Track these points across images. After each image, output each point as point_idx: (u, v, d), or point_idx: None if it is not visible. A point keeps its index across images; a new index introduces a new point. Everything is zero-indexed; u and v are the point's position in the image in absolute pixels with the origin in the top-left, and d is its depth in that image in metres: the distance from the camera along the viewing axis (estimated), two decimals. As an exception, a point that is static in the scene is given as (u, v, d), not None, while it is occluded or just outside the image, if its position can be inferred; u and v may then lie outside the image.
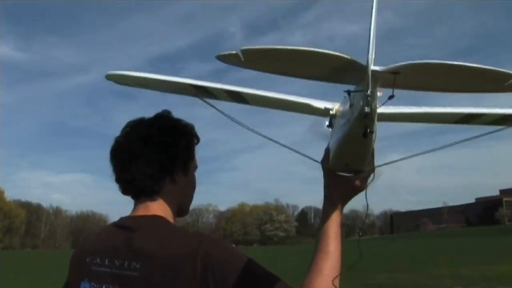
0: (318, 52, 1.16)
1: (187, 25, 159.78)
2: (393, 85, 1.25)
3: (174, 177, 1.54)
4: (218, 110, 2.09)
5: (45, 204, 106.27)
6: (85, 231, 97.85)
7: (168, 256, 1.38)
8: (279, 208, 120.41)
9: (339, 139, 1.52)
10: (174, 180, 1.54)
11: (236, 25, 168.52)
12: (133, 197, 1.56)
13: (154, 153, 1.50)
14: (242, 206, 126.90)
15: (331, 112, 1.77)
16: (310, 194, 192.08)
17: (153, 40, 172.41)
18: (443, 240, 56.32)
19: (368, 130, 1.33)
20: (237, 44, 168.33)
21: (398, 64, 1.21)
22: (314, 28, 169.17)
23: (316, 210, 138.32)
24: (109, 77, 2.31)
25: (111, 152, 1.57)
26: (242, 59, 1.23)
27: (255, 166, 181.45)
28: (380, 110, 1.33)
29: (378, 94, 1.29)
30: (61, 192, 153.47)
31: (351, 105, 1.36)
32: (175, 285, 1.35)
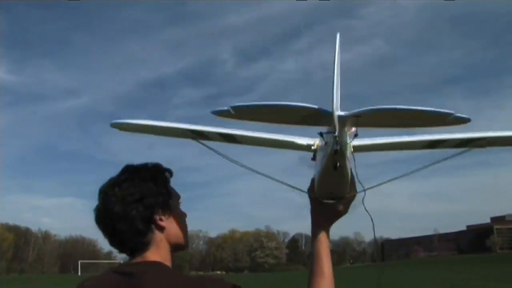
0: (292, 105, 1.46)
1: (179, 51, 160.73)
2: (356, 125, 1.54)
3: (158, 223, 1.56)
4: (214, 151, 2.39)
5: (33, 228, 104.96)
6: (74, 256, 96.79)
7: None
8: (270, 235, 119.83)
9: (319, 171, 1.82)
10: (160, 226, 1.56)
11: (228, 51, 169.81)
12: (128, 255, 1.57)
13: (132, 210, 1.50)
14: (232, 232, 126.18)
15: (312, 147, 2.09)
16: (300, 221, 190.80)
17: (145, 65, 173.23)
18: (434, 267, 56.05)
19: (338, 164, 1.62)
20: (229, 70, 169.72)
21: (360, 109, 1.50)
22: (306, 56, 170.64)
23: (307, 237, 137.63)
24: (114, 125, 2.80)
25: (96, 221, 1.57)
26: (233, 114, 1.52)
27: (246, 192, 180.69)
28: (356, 142, 1.68)
29: (353, 129, 1.59)
30: (50, 216, 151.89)
31: (325, 143, 1.67)
32: None
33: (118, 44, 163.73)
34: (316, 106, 1.53)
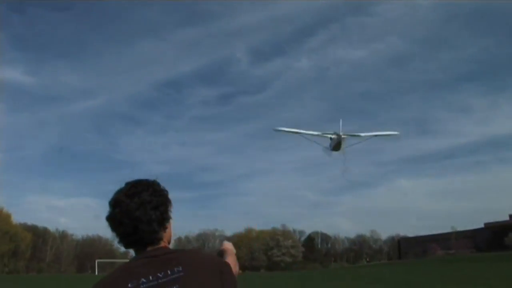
0: (322, 135, 29.64)
1: (193, 51, 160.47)
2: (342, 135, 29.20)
3: (166, 226, 2.11)
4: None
5: (51, 227, 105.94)
6: (91, 255, 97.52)
7: (204, 261, 1.99)
8: (286, 233, 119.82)
9: (331, 144, 31.69)
10: (165, 228, 2.11)
11: (242, 50, 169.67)
12: (138, 249, 2.05)
13: (152, 214, 2.00)
14: (248, 231, 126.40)
15: (331, 137, 31.12)
16: (316, 219, 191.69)
17: (158, 65, 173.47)
18: (452, 266, 55.57)
19: (341, 143, 29.55)
20: (243, 69, 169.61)
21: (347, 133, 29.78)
22: (320, 54, 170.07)
23: (323, 235, 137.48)
24: (276, 130, 28.20)
25: (114, 221, 2.01)
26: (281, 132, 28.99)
27: (262, 191, 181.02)
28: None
29: (343, 137, 28.63)
30: (67, 216, 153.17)
31: (337, 138, 30.25)
32: (214, 278, 1.93)
33: (132, 44, 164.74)
34: (334, 132, 29.72)
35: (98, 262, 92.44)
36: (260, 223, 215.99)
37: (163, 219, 2.06)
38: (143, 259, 1.96)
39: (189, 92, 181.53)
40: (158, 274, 1.87)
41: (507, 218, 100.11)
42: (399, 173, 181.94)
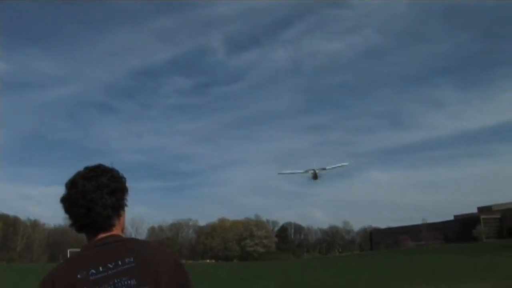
0: (308, 171, 53.02)
1: (169, 39, 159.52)
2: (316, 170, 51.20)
3: (120, 213, 2.06)
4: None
5: (22, 216, 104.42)
6: (63, 244, 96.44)
7: (157, 253, 1.93)
8: (260, 224, 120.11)
9: (312, 176, 53.41)
10: (120, 215, 2.05)
11: (218, 40, 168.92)
12: (90, 234, 2.01)
13: (108, 199, 1.97)
14: (222, 221, 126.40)
15: (312, 172, 52.79)
16: (290, 209, 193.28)
17: (134, 53, 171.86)
18: (422, 256, 56.53)
19: (316, 176, 51.80)
20: (219, 59, 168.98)
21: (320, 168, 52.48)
22: (295, 45, 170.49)
23: (296, 226, 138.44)
24: (280, 173, 55.42)
25: (68, 202, 1.98)
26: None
27: (236, 181, 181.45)
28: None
29: (317, 171, 51.28)
30: (39, 205, 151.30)
31: (314, 172, 52.47)
32: (164, 270, 1.89)
33: (108, 32, 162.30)
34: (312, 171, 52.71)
35: (70, 251, 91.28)
36: (234, 213, 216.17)
37: (119, 206, 2.01)
38: (94, 248, 1.92)
39: (165, 81, 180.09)
40: (109, 265, 1.84)
41: (475, 210, 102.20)
42: (372, 165, 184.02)
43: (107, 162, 2.10)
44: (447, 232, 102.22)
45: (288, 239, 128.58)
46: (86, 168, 2.04)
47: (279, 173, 59.11)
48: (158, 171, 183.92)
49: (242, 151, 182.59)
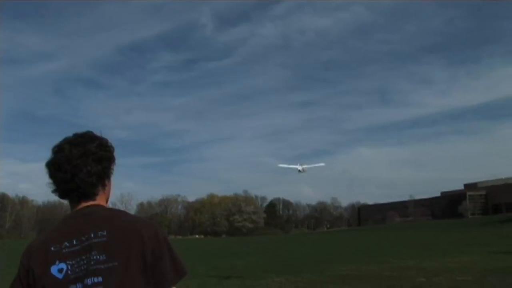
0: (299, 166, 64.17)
1: (157, 15, 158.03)
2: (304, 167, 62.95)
3: (105, 183, 1.97)
4: None
5: (11, 193, 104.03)
6: (51, 221, 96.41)
7: (133, 225, 1.82)
8: (248, 200, 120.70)
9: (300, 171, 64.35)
10: (105, 185, 1.97)
11: (207, 15, 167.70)
12: (72, 201, 1.93)
13: (94, 167, 1.89)
14: (211, 197, 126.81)
15: (299, 168, 63.59)
16: (278, 185, 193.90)
17: (122, 29, 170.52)
18: (408, 232, 57.35)
19: (301, 170, 63.12)
20: (208, 35, 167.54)
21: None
22: (285, 21, 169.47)
23: (284, 201, 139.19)
24: (279, 166, 66.86)
25: (53, 167, 1.90)
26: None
27: (225, 157, 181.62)
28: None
29: (304, 167, 62.65)
30: (28, 182, 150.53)
31: (301, 168, 62.75)
32: (138, 244, 1.78)
33: (95, 7, 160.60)
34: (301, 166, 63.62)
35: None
36: (223, 189, 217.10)
37: (104, 174, 1.93)
38: (72, 219, 1.88)
39: (153, 57, 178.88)
40: (82, 238, 1.78)
41: (462, 187, 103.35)
42: (361, 142, 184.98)
43: (96, 132, 2.02)
44: (433, 208, 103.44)
45: (277, 215, 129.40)
46: (75, 134, 1.98)
47: (279, 165, 74.13)
48: (146, 147, 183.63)
49: (231, 128, 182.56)
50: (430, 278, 11.68)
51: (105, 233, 1.78)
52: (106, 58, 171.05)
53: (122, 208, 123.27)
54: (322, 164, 73.17)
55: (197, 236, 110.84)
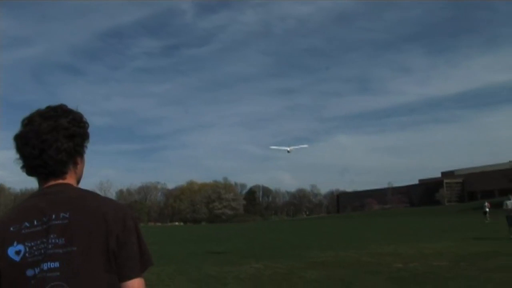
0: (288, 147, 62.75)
1: (138, 0, 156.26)
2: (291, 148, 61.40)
3: (77, 161, 1.83)
4: None
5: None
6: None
7: (97, 205, 1.70)
8: (228, 187, 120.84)
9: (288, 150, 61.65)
10: (76, 163, 1.83)
11: (187, 2, 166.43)
12: (40, 178, 1.79)
13: (64, 143, 1.75)
14: (190, 184, 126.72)
15: (288, 150, 60.96)
16: (258, 173, 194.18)
17: (101, 14, 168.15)
18: (386, 219, 58.05)
19: (289, 151, 60.59)
20: (188, 21, 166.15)
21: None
22: (266, 8, 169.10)
23: (264, 188, 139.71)
24: (271, 148, 63.81)
25: (21, 140, 1.76)
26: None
27: (204, 144, 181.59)
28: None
29: (291, 148, 61.15)
30: (4, 169, 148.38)
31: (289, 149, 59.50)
32: (101, 228, 1.65)
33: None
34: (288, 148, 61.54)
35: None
36: (202, 176, 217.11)
37: (75, 152, 1.80)
38: (37, 198, 1.74)
39: (133, 43, 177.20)
40: (43, 218, 1.65)
41: (439, 175, 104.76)
42: (340, 130, 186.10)
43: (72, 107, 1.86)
44: (411, 196, 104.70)
45: (256, 202, 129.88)
46: (48, 107, 1.84)
47: (271, 147, 78.29)
48: (126, 134, 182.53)
49: (211, 114, 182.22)
50: (406, 263, 11.93)
51: (67, 215, 1.65)
52: (85, 43, 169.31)
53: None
54: (305, 145, 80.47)
55: (176, 223, 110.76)
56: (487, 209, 41.17)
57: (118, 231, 1.66)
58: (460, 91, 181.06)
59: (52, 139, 1.72)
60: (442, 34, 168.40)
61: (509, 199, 19.74)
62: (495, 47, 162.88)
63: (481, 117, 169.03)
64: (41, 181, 1.78)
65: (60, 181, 1.77)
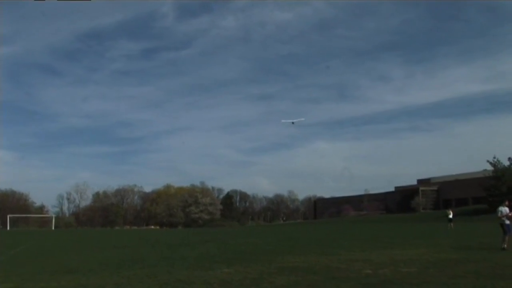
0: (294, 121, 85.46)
1: (118, 3, 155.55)
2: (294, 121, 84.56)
3: None
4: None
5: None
6: (4, 210, 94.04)
7: None
8: (205, 191, 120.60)
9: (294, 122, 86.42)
10: None
11: (168, 5, 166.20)
12: None
13: None
14: (167, 187, 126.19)
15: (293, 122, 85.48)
16: (235, 177, 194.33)
17: (81, 15, 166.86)
18: (362, 226, 58.40)
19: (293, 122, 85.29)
20: (168, 24, 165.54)
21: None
22: (246, 13, 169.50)
23: (241, 193, 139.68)
24: (283, 122, 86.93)
25: None
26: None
27: (182, 148, 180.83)
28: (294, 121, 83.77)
29: (295, 121, 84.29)
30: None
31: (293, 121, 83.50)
32: None
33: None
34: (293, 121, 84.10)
35: (10, 217, 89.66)
36: (179, 180, 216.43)
37: None
38: None
39: (112, 45, 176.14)
40: None
41: (415, 182, 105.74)
42: (318, 136, 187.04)
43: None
44: (387, 203, 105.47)
45: (233, 207, 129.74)
46: None
47: (283, 121, 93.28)
48: (103, 136, 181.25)
49: (189, 118, 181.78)
50: (376, 270, 11.96)
51: None
52: (63, 44, 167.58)
53: (77, 197, 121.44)
54: (303, 118, 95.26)
55: (152, 227, 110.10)
56: (451, 216, 42.00)
57: None
58: (437, 100, 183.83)
59: None
60: (420, 44, 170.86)
61: (504, 206, 18.66)
62: (470, 58, 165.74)
63: (457, 126, 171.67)
64: None
65: None
